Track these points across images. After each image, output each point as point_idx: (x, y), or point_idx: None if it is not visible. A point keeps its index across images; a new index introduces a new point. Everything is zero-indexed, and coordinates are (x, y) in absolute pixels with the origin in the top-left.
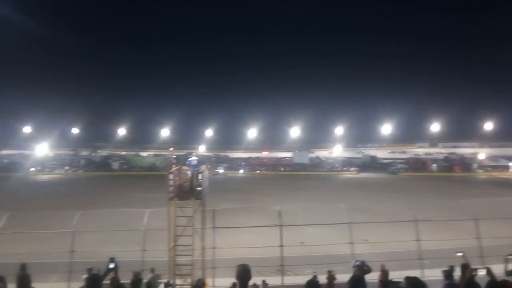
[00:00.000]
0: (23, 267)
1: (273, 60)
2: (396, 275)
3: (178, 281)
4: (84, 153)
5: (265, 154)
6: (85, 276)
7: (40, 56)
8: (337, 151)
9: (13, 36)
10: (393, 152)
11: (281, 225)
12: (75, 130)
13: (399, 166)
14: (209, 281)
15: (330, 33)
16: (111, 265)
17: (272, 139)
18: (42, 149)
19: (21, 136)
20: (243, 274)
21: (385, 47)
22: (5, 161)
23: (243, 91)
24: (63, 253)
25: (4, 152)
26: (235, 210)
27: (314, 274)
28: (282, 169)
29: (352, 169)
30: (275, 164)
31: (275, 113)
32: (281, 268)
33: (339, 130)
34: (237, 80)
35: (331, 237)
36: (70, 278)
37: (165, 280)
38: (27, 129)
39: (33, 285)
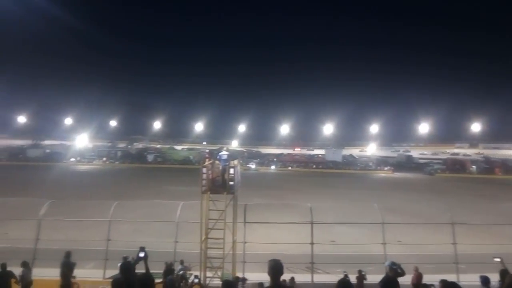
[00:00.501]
0: (67, 254)
1: (308, 56)
2: (430, 279)
3: (209, 274)
4: (121, 145)
5: (297, 150)
6: (120, 264)
7: (82, 52)
8: (371, 150)
9: (56, 32)
10: (432, 153)
11: (312, 223)
12: (113, 123)
13: (436, 166)
14: (239, 275)
15: (366, 28)
16: (141, 254)
17: (304, 135)
18: (82, 141)
19: (63, 128)
20: (276, 269)
21: (424, 42)
22: (48, 151)
23: (277, 87)
24: (99, 241)
25: (47, 142)
26: (266, 206)
27: (345, 273)
28: (314, 166)
29: (386, 168)
30: (307, 161)
31: (309, 110)
32: (311, 265)
33: (374, 128)
34: (271, 76)
35: (362, 237)
36: (106, 266)
37: (195, 272)
38: (68, 121)
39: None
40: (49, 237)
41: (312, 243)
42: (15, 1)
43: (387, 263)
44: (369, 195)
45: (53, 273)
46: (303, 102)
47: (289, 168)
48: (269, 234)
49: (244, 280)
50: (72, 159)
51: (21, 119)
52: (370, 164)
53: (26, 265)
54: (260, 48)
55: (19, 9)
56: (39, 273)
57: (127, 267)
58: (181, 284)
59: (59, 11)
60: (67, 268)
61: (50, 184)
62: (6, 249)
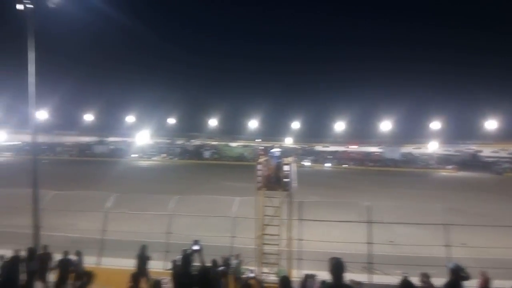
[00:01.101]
0: (143, 248)
1: (363, 51)
2: (500, 285)
3: (265, 270)
4: (179, 142)
5: (353, 148)
6: (179, 257)
7: (143, 52)
8: (432, 147)
9: (118, 33)
10: (500, 150)
11: (370, 222)
12: (172, 120)
13: (505, 165)
14: (294, 272)
15: (423, 22)
16: (195, 247)
17: (361, 132)
18: (143, 137)
19: (125, 125)
20: (338, 267)
21: (491, 38)
22: (111, 147)
23: (332, 84)
24: (160, 234)
25: (111, 139)
26: (321, 204)
27: (405, 275)
28: (371, 164)
29: (449, 166)
30: (364, 158)
31: (365, 106)
32: (368, 265)
33: (435, 125)
34: (327, 72)
35: (423, 238)
36: (166, 258)
37: (251, 267)
38: (130, 119)
39: (131, 262)
40: (114, 229)
41: (369, 243)
42: (81, 4)
43: (450, 265)
44: (430, 195)
45: (118, 263)
46: (359, 99)
47: (345, 165)
48: (324, 232)
49: (313, 276)
50: (134, 155)
51: (88, 117)
52: (431, 162)
53: (79, 254)
54: (317, 47)
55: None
56: (106, 262)
57: (187, 259)
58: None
59: (121, 13)
60: (142, 261)
61: (114, 179)
62: (75, 239)
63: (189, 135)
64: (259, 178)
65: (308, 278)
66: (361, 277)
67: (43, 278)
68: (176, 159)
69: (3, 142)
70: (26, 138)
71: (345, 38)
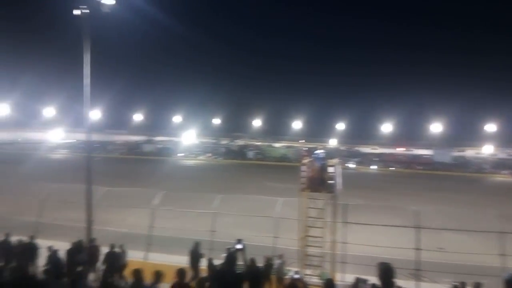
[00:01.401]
0: (196, 245)
1: (414, 53)
2: None
3: (308, 271)
4: (224, 142)
5: (400, 150)
6: (224, 255)
7: (189, 54)
8: (487, 151)
9: (164, 33)
10: None
11: (418, 227)
12: (217, 121)
13: None
14: (338, 276)
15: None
16: (239, 246)
17: (409, 134)
18: (189, 137)
19: (172, 125)
20: (388, 272)
21: None
22: (159, 146)
23: (379, 84)
24: (204, 232)
25: (158, 138)
26: (366, 207)
27: (455, 284)
28: (419, 167)
29: (505, 171)
30: (412, 161)
31: (413, 107)
32: (416, 272)
33: (490, 127)
34: (374, 73)
35: (475, 246)
36: (211, 255)
37: (293, 269)
38: (177, 119)
39: (176, 258)
40: (161, 225)
41: (417, 249)
42: (131, 9)
43: (506, 276)
44: (483, 200)
45: (164, 259)
46: (407, 100)
47: (391, 168)
48: (368, 236)
49: (364, 281)
50: (180, 154)
51: (138, 117)
52: (485, 166)
53: (121, 248)
54: (363, 49)
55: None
56: (153, 257)
57: (232, 258)
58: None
59: (168, 16)
60: (195, 258)
61: (161, 177)
62: (124, 234)
63: (234, 135)
64: (303, 179)
65: (360, 283)
66: (408, 284)
67: (92, 270)
68: (220, 158)
69: (60, 140)
70: (80, 136)
71: (392, 41)
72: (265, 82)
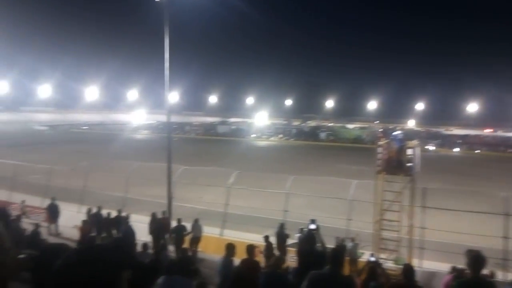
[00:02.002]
0: (281, 226)
1: (500, 29)
2: None
3: (382, 255)
4: (296, 123)
5: (488, 131)
6: (298, 235)
7: (263, 36)
8: None
9: (238, 17)
10: None
11: (507, 214)
12: (289, 102)
13: None
14: (415, 262)
15: None
16: (312, 226)
17: (498, 114)
18: (261, 118)
19: (246, 106)
20: (479, 261)
21: None
22: (233, 127)
23: (464, 61)
24: (276, 211)
25: (232, 119)
26: (447, 191)
27: None
28: (510, 150)
29: None
30: (501, 144)
31: (503, 85)
32: (503, 262)
33: None
34: (458, 51)
35: None
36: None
37: (366, 252)
38: (250, 100)
39: (249, 235)
40: (235, 203)
41: (505, 237)
42: None
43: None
44: None
45: (238, 235)
46: (496, 76)
47: (477, 151)
48: (448, 222)
49: (463, 270)
50: (253, 135)
51: (213, 99)
52: None
53: (197, 221)
54: (445, 25)
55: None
56: (227, 234)
57: (312, 237)
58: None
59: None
60: (282, 238)
61: (235, 157)
62: (201, 210)
63: (306, 116)
64: (379, 162)
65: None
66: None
67: (162, 239)
68: (292, 140)
69: (142, 121)
70: (160, 117)
71: (480, 17)
72: (339, 62)
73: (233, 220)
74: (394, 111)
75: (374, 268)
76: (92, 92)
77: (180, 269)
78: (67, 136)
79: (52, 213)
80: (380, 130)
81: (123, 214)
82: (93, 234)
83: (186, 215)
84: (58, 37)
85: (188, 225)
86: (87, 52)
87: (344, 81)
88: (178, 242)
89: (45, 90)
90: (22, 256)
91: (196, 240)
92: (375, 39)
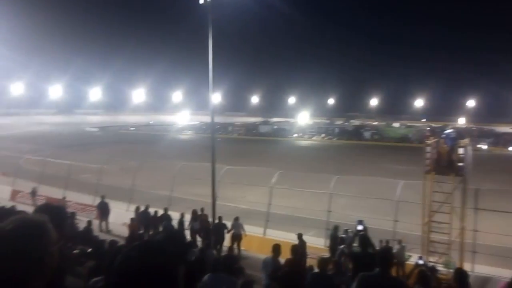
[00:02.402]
0: (335, 228)
1: None
2: None
3: (431, 259)
4: (338, 122)
5: None
6: (342, 235)
7: (304, 35)
8: None
9: (279, 16)
10: None
11: None
12: (331, 101)
13: None
14: (466, 266)
15: None
16: (360, 227)
17: None
18: (303, 118)
19: (288, 106)
20: None
21: None
22: (275, 127)
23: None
24: (319, 212)
25: (274, 119)
26: (501, 193)
27: None
28: None
29: None
30: None
31: None
32: None
33: None
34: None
35: None
36: (326, 235)
37: (413, 255)
38: (292, 100)
39: (292, 235)
40: (277, 203)
41: None
42: None
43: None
44: None
45: (281, 235)
46: None
47: None
48: (501, 225)
49: None
50: (295, 135)
51: (255, 99)
52: None
53: (237, 219)
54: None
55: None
56: (270, 233)
57: (366, 239)
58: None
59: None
60: (335, 241)
61: (278, 157)
62: (244, 210)
63: (349, 115)
64: (428, 161)
65: None
66: None
67: (204, 236)
68: (335, 139)
69: (186, 122)
70: (203, 118)
71: None
72: (383, 58)
73: (275, 220)
74: (442, 108)
75: (424, 272)
76: (139, 95)
77: (225, 267)
78: (116, 137)
79: (103, 210)
80: (427, 128)
81: (168, 212)
82: (141, 231)
83: (229, 214)
84: (108, 41)
85: (229, 224)
86: (134, 55)
87: (389, 78)
88: (219, 239)
89: (95, 93)
90: (76, 251)
91: (237, 237)
92: (422, 35)
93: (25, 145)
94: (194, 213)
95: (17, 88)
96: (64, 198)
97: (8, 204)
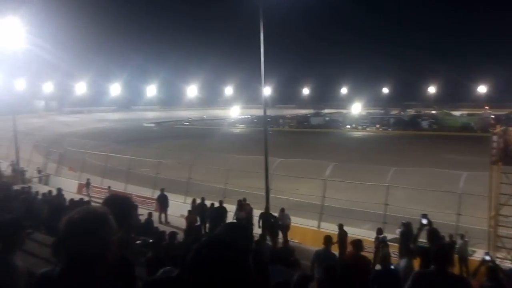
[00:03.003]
0: (408, 225)
1: None
2: None
3: (499, 255)
4: (394, 112)
5: None
6: (399, 230)
7: (355, 23)
8: None
9: (327, 5)
10: None
11: None
12: (385, 90)
13: None
14: None
15: None
16: (424, 221)
17: None
18: (356, 108)
19: (340, 97)
20: None
21: None
22: (327, 118)
23: None
24: (375, 205)
25: (326, 111)
26: None
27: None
28: None
29: None
30: None
31: None
32: None
33: None
34: None
35: None
36: (385, 229)
37: (477, 249)
38: (344, 90)
39: (347, 229)
40: (331, 196)
41: None
42: None
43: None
44: None
45: (335, 228)
46: None
47: None
48: None
49: None
50: (348, 126)
51: (306, 91)
52: None
53: (283, 211)
54: None
55: None
56: (325, 226)
57: (435, 233)
58: None
59: None
60: (406, 238)
61: (331, 149)
62: (297, 202)
63: (405, 104)
64: (494, 151)
65: None
66: None
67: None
68: (390, 130)
69: (237, 116)
70: (254, 112)
71: None
72: (441, 43)
73: (330, 213)
74: (507, 95)
75: (494, 267)
76: (192, 90)
77: (282, 260)
78: (171, 132)
79: (162, 203)
80: (492, 116)
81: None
82: (198, 223)
83: (283, 207)
84: (162, 39)
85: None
86: (187, 52)
87: (448, 64)
88: (267, 230)
89: (151, 89)
90: (138, 241)
91: (285, 228)
92: (484, 18)
93: (89, 141)
94: (239, 203)
95: (81, 88)
96: (109, 187)
97: (75, 196)
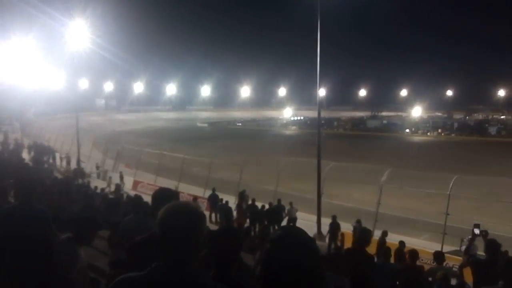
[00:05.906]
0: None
1: None
2: None
3: None
4: (458, 116)
5: None
6: (464, 246)
7: (415, 24)
8: None
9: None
10: None
11: None
12: (449, 92)
13: None
14: None
15: None
16: (476, 231)
17: None
18: (417, 111)
19: (399, 99)
20: None
21: None
22: (385, 122)
23: None
24: (435, 214)
25: (384, 113)
26: None
27: None
28: None
29: None
30: None
31: None
32: None
33: None
34: None
35: None
36: (444, 241)
37: None
38: (403, 92)
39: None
40: (387, 203)
41: None
42: None
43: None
44: None
45: (391, 237)
46: None
47: None
48: None
49: None
50: (407, 130)
51: (362, 93)
52: None
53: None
54: None
55: None
56: (379, 234)
57: (495, 245)
58: None
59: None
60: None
61: (388, 153)
62: (350, 208)
63: (471, 108)
64: None
65: None
66: None
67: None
68: (453, 135)
69: (289, 117)
70: (306, 113)
71: None
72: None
73: (385, 221)
74: None
75: None
76: (245, 91)
77: (331, 265)
78: (224, 132)
79: (213, 202)
80: None
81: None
82: (247, 225)
83: (333, 212)
84: (216, 41)
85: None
86: (241, 53)
87: None
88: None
89: (205, 90)
90: None
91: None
92: None
93: (144, 139)
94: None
95: (138, 87)
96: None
97: (131, 193)
